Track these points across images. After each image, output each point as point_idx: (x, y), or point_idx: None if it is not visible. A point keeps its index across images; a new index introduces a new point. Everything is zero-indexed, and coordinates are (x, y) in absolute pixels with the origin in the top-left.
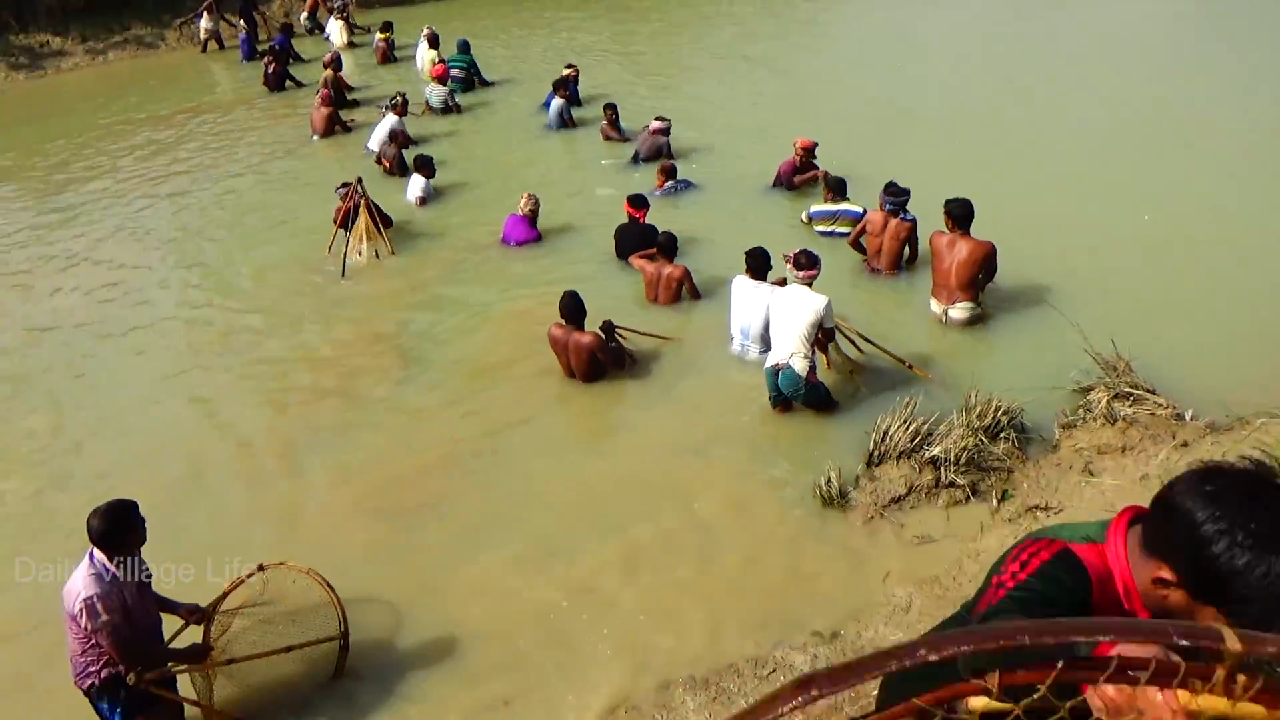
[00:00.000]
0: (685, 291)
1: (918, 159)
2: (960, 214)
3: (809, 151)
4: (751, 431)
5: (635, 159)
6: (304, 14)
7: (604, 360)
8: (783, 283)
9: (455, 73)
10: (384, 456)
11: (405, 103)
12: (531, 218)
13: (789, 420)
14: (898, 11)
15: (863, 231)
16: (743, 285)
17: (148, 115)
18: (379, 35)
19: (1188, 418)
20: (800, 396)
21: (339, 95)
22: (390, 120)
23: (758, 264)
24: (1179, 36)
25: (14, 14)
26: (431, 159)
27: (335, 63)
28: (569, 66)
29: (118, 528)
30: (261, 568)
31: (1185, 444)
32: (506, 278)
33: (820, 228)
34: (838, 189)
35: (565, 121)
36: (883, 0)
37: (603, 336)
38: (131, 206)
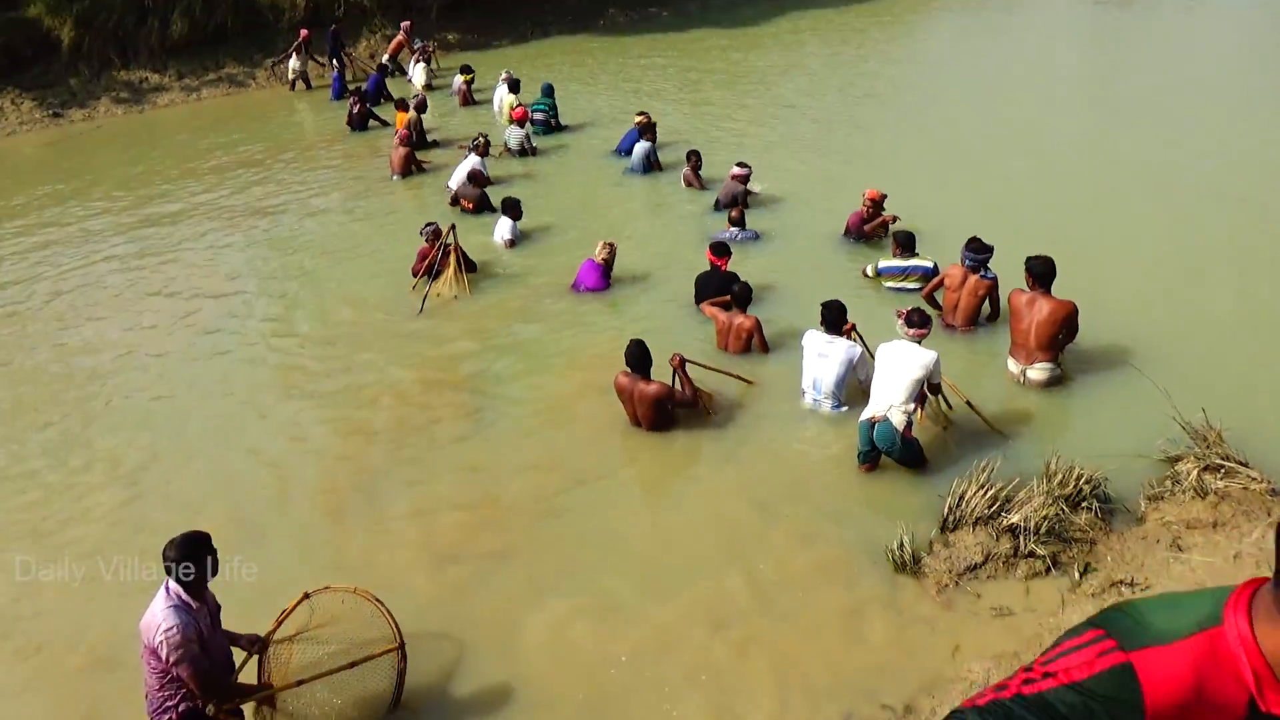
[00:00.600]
0: (755, 344)
1: (996, 214)
2: (1041, 272)
3: (877, 204)
4: (822, 489)
5: (716, 205)
6: (386, 55)
7: (671, 409)
8: (849, 333)
9: (537, 115)
10: (450, 501)
11: (487, 144)
12: (606, 266)
13: (862, 479)
14: (968, 62)
15: (939, 286)
16: (815, 339)
17: (234, 150)
18: (461, 78)
19: None
20: (894, 452)
21: (419, 136)
22: (472, 160)
23: (833, 317)
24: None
25: (118, 52)
26: (519, 201)
27: (421, 105)
28: (640, 114)
29: (193, 558)
30: (307, 595)
31: None
32: (579, 323)
33: (890, 284)
34: (907, 244)
35: (651, 165)
36: (952, 53)
37: (669, 387)
38: (214, 239)
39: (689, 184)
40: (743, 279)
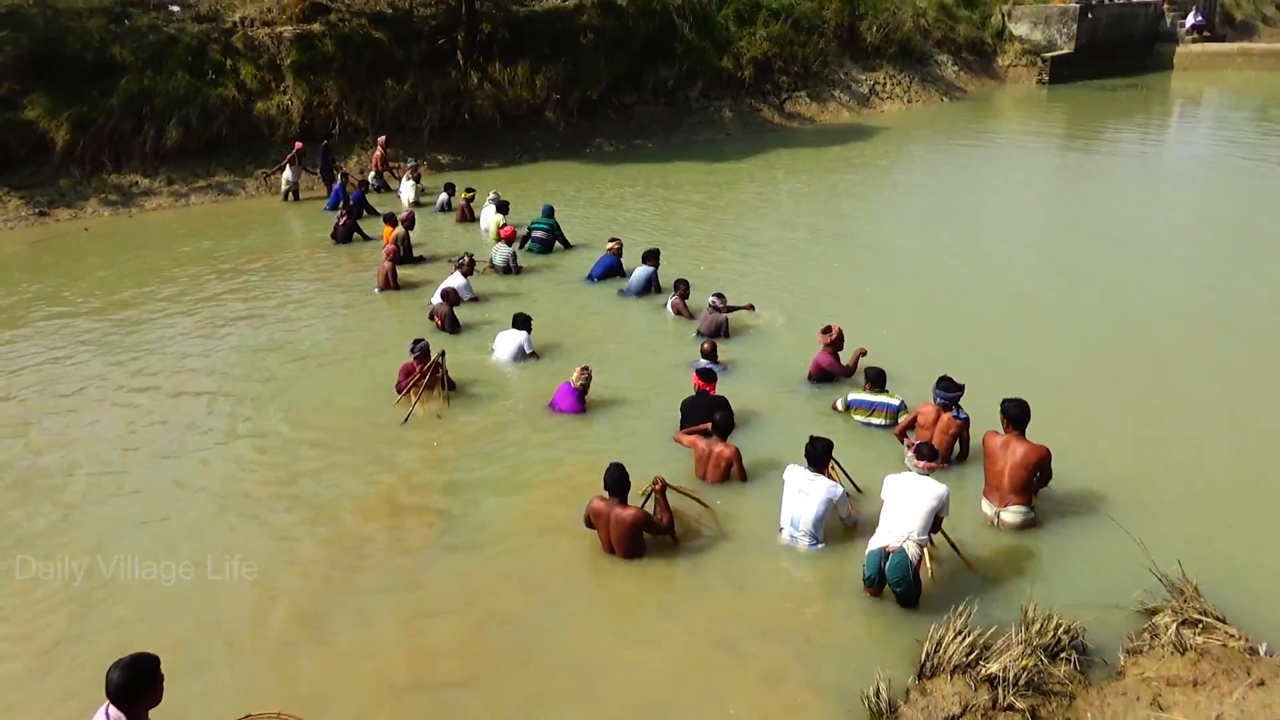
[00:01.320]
0: (734, 473)
1: (969, 353)
2: (1016, 414)
3: (836, 342)
4: (797, 627)
5: (698, 335)
6: (372, 172)
7: (649, 536)
8: (832, 472)
9: (538, 234)
10: (415, 624)
11: (471, 262)
12: (582, 390)
13: (836, 618)
14: (939, 203)
15: (912, 424)
16: (797, 475)
17: (217, 255)
18: (463, 194)
19: (1263, 652)
20: (903, 586)
21: (406, 251)
22: (455, 279)
23: (817, 454)
24: (1249, 214)
25: (111, 156)
26: (530, 318)
27: (409, 221)
28: (613, 240)
29: (139, 683)
30: None
31: (1262, 682)
32: (555, 444)
33: (858, 417)
34: (877, 380)
35: (649, 290)
36: (929, 186)
37: (646, 513)
38: (189, 343)
39: (678, 312)
40: (725, 402)
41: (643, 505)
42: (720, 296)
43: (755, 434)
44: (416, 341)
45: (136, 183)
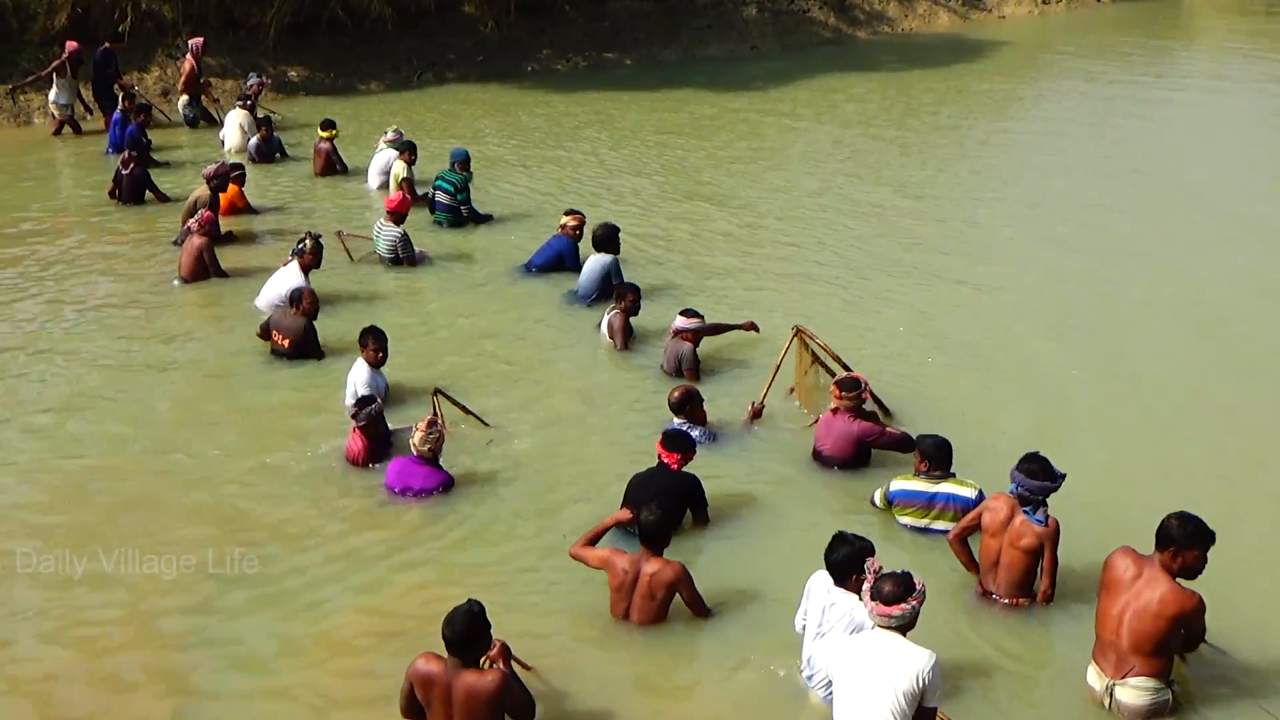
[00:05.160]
0: (685, 605)
1: (1087, 416)
2: (1182, 534)
3: (855, 393)
4: None
5: (664, 373)
6: (182, 96)
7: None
8: (856, 587)
9: (440, 198)
10: None
11: (316, 251)
12: (432, 456)
13: None
14: (1108, 167)
15: (974, 527)
16: (820, 589)
17: None
18: (321, 135)
19: None
20: None
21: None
22: (290, 273)
23: (842, 560)
24: None
25: None
26: (380, 337)
27: (229, 175)
28: (571, 213)
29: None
30: None
31: None
32: (385, 550)
33: (906, 518)
34: (938, 457)
35: (608, 288)
36: (1078, 143)
37: (508, 678)
38: None
39: (611, 335)
40: (694, 483)
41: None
42: (691, 313)
43: (741, 544)
44: (361, 404)
45: None
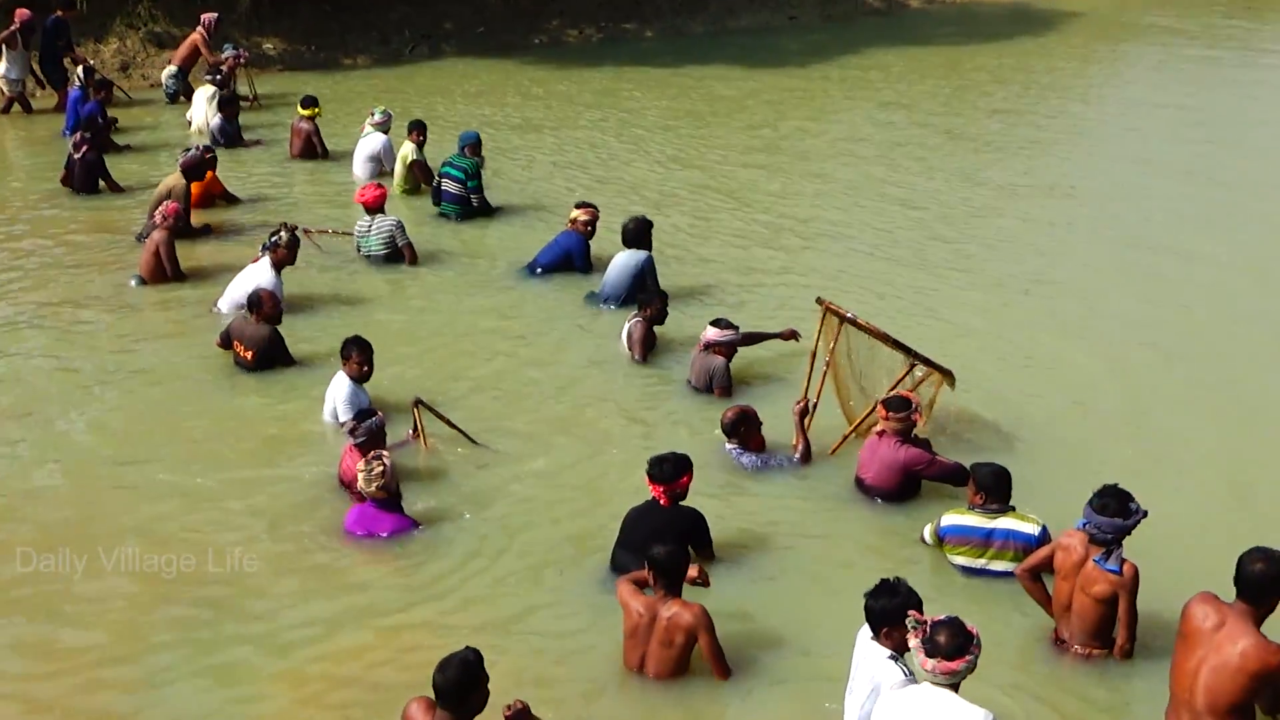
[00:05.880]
0: (704, 658)
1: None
2: (1257, 580)
3: (904, 413)
4: None
5: (690, 387)
6: (169, 70)
7: None
8: (888, 641)
9: (448, 186)
10: None
11: (292, 245)
12: (387, 499)
13: None
14: (1210, 163)
15: (1045, 565)
16: (862, 647)
17: None
18: (301, 113)
19: None
20: None
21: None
22: (262, 274)
23: (881, 611)
24: None
25: None
26: (365, 349)
27: (203, 162)
28: (583, 206)
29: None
30: None
31: None
32: (350, 588)
33: (959, 558)
34: (995, 489)
35: (639, 290)
36: (1169, 123)
37: None
38: None
39: (630, 346)
40: (694, 522)
41: None
42: (724, 324)
43: (765, 586)
44: (360, 416)
45: None
